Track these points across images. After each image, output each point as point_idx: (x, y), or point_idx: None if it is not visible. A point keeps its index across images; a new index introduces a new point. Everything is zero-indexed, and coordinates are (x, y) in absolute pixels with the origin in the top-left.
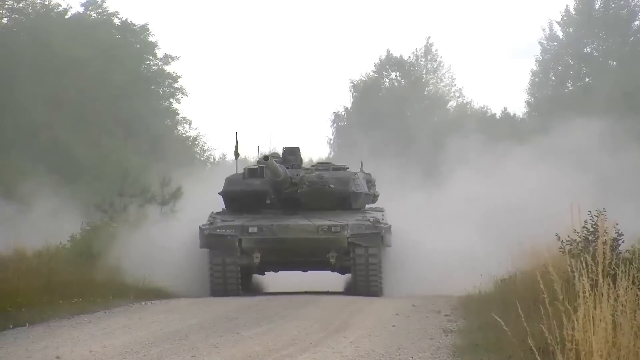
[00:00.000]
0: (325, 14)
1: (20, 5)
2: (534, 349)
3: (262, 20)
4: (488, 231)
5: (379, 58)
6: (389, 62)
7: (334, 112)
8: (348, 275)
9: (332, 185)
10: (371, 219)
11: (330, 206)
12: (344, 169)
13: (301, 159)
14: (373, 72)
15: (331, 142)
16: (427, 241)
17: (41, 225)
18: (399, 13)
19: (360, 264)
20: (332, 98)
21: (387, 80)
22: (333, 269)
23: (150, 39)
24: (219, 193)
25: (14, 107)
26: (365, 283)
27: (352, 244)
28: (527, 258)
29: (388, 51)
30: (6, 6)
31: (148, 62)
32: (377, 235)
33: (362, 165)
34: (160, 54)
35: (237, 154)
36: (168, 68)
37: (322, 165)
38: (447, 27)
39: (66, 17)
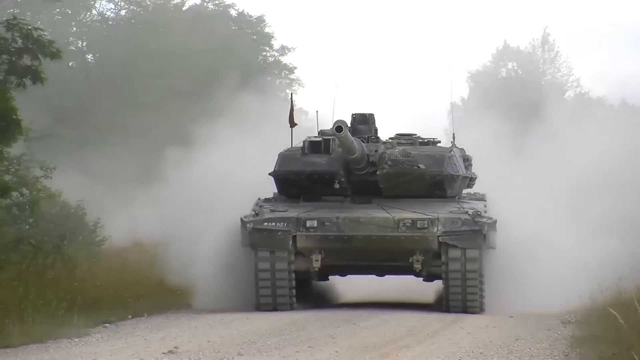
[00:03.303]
0: (442, 4)
1: None
2: None
3: (379, 9)
4: (606, 226)
5: (496, 48)
6: (506, 52)
7: (450, 103)
8: (437, 283)
9: (421, 166)
10: (470, 211)
11: (418, 193)
12: (435, 142)
13: (376, 129)
14: (490, 62)
15: (447, 132)
16: (540, 240)
17: (161, 216)
18: (516, 3)
19: (454, 271)
20: (448, 88)
21: (504, 70)
22: (418, 274)
23: (267, 30)
24: (269, 174)
25: (133, 98)
26: (460, 296)
27: (445, 245)
28: None
29: (505, 41)
30: None
31: (264, 53)
32: (478, 233)
33: (454, 138)
34: (276, 45)
35: (292, 122)
36: (284, 59)
37: (405, 138)
38: (565, 16)
39: (183, 8)
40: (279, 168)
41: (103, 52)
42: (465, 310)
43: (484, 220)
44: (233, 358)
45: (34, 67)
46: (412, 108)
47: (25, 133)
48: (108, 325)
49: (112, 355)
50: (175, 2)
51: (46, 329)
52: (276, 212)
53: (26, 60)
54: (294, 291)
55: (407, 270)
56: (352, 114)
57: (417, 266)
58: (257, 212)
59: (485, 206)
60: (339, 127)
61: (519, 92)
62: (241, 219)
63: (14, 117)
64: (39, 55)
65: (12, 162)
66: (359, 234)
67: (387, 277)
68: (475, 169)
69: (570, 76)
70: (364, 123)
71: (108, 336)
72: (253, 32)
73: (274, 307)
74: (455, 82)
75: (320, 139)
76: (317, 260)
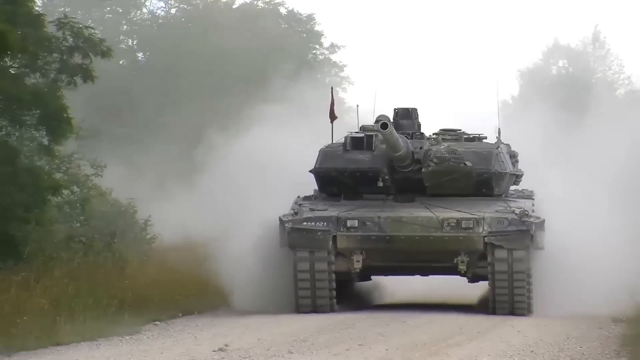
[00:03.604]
0: (492, 1)
1: None
2: None
3: (428, 7)
4: None
5: (546, 46)
6: (557, 50)
7: (501, 101)
8: (482, 284)
9: (468, 163)
10: (517, 210)
11: (464, 192)
12: (481, 138)
13: (419, 124)
14: (540, 60)
15: (496, 128)
16: (589, 238)
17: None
18: (567, 0)
19: (501, 273)
20: (499, 86)
21: (554, 67)
22: (463, 275)
23: (317, 28)
24: (310, 171)
25: (183, 96)
26: (507, 299)
27: (491, 246)
28: None
29: (555, 39)
30: None
31: (314, 51)
32: (526, 233)
33: (499, 133)
34: (326, 43)
35: (332, 116)
36: (334, 57)
37: (450, 134)
38: (616, 13)
39: (233, 7)
40: (320, 165)
41: (153, 50)
42: (512, 312)
43: (532, 219)
44: (283, 356)
45: (84, 66)
46: (456, 104)
47: (76, 131)
48: (158, 323)
49: (163, 353)
50: (225, 0)
51: (97, 327)
52: (316, 211)
53: (77, 58)
54: (334, 292)
55: (452, 271)
56: (395, 109)
57: (462, 267)
58: (296, 210)
59: (533, 205)
60: (384, 123)
61: (570, 89)
62: (280, 219)
63: (65, 115)
64: (90, 54)
65: (63, 161)
66: (401, 234)
67: (428, 277)
68: (523, 165)
69: (621, 74)
70: (406, 118)
71: (158, 334)
72: (303, 30)
73: (314, 309)
74: (505, 80)
75: (363, 134)
76: (358, 261)
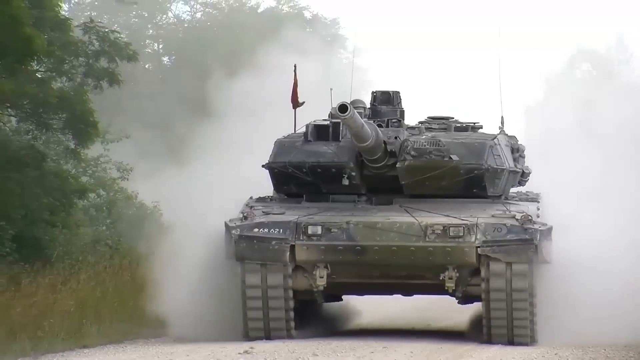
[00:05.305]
0: (515, 4)
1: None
2: None
3: (449, 12)
4: None
5: (570, 50)
6: (581, 54)
7: (526, 106)
8: (475, 305)
9: (454, 157)
10: (518, 215)
11: (451, 192)
12: (475, 128)
13: (402, 112)
14: (564, 64)
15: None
16: (606, 251)
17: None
18: (590, 4)
19: (497, 292)
20: (523, 91)
21: (578, 71)
22: (451, 295)
23: (341, 32)
24: (263, 166)
25: (204, 100)
26: (506, 324)
27: (485, 258)
28: None
29: (579, 43)
30: (201, 0)
31: (339, 55)
32: (529, 243)
33: (502, 122)
34: (350, 47)
35: (295, 101)
36: (358, 61)
37: (438, 123)
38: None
39: (259, 11)
40: (274, 159)
41: (179, 54)
42: (511, 341)
43: (536, 227)
44: (308, 358)
45: (110, 70)
46: (461, 93)
47: (102, 135)
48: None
49: (189, 355)
50: (250, 4)
51: (123, 329)
52: (270, 215)
53: (103, 62)
54: (291, 315)
55: (438, 289)
56: (373, 92)
57: (450, 285)
58: (246, 214)
59: (538, 209)
60: (342, 106)
61: (593, 92)
62: (225, 224)
63: (91, 119)
64: (116, 58)
65: (90, 164)
66: (375, 243)
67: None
68: (537, 165)
69: None
70: (387, 103)
71: (184, 336)
72: (327, 34)
73: (267, 335)
74: (531, 85)
75: (328, 122)
76: (321, 277)
